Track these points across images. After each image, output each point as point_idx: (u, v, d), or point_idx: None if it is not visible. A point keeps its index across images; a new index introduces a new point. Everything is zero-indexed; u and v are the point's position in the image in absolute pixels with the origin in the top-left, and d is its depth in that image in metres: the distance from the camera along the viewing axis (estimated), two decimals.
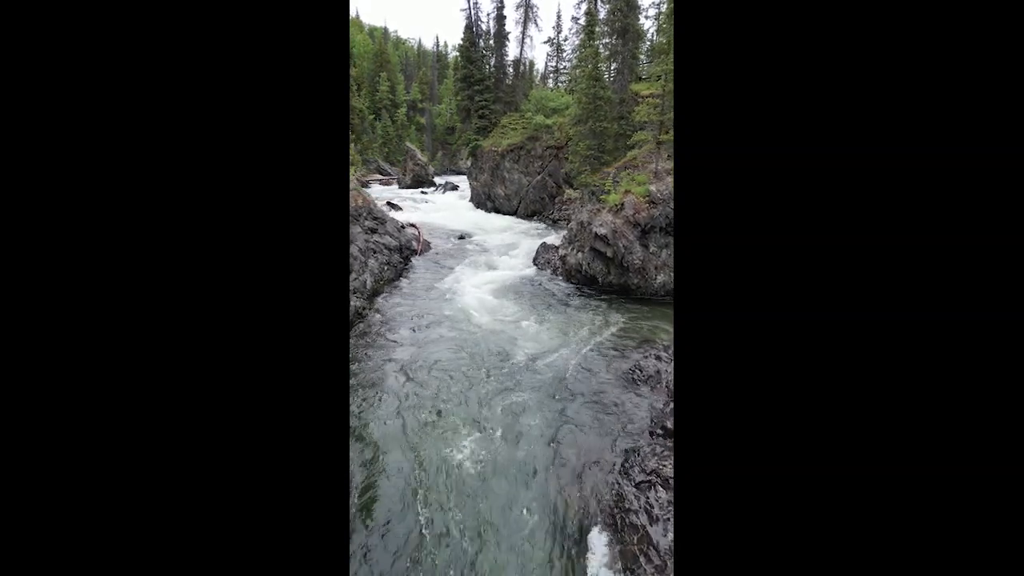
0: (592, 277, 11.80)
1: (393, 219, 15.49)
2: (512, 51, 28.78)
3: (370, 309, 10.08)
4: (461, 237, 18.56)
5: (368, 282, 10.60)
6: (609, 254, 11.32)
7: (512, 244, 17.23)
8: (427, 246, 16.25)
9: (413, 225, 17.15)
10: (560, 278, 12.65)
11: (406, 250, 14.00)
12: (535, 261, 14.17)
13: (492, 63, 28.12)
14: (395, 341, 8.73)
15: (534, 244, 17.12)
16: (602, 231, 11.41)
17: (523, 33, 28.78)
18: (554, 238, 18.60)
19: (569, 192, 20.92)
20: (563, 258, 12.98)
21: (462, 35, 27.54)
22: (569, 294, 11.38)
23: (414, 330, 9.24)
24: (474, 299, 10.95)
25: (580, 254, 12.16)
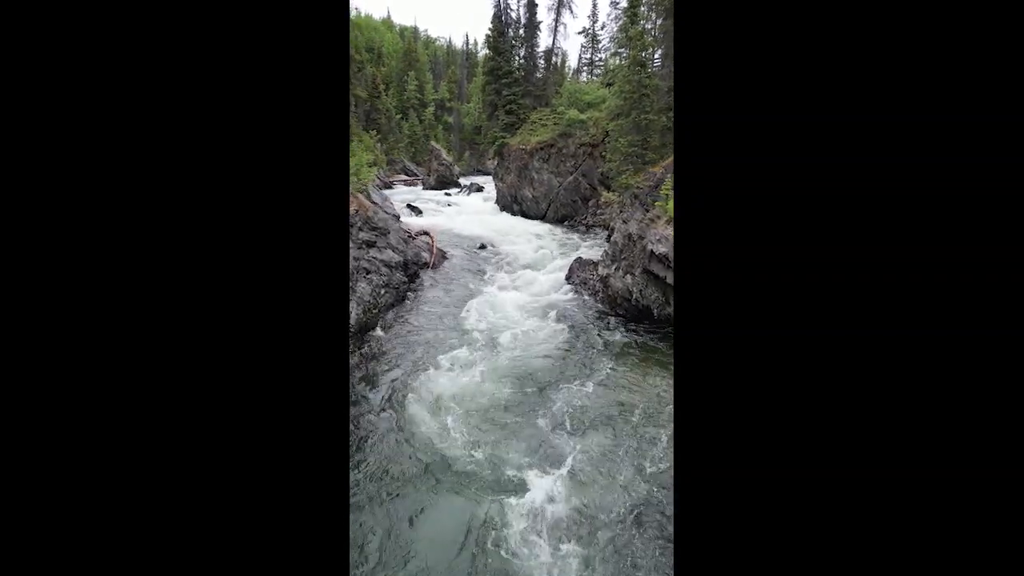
0: (645, 309, 8.85)
1: (400, 227, 12.90)
2: (544, 41, 25.87)
3: (355, 352, 7.45)
4: (482, 247, 15.85)
5: (354, 314, 7.97)
6: (670, 280, 8.36)
7: (541, 256, 14.37)
8: (442, 258, 13.59)
9: (426, 233, 14.51)
10: (602, 306, 9.74)
11: (413, 265, 11.36)
12: (568, 279, 11.30)
13: (522, 54, 25.23)
14: (380, 417, 6.04)
15: (567, 256, 14.22)
16: (661, 249, 8.44)
17: (556, 21, 25.77)
18: (588, 248, 15.65)
19: (606, 195, 17.87)
20: (604, 279, 10.06)
21: (490, 24, 24.77)
22: (616, 333, 8.45)
23: (407, 395, 6.54)
24: (491, 339, 8.17)
25: (629, 277, 9.22)
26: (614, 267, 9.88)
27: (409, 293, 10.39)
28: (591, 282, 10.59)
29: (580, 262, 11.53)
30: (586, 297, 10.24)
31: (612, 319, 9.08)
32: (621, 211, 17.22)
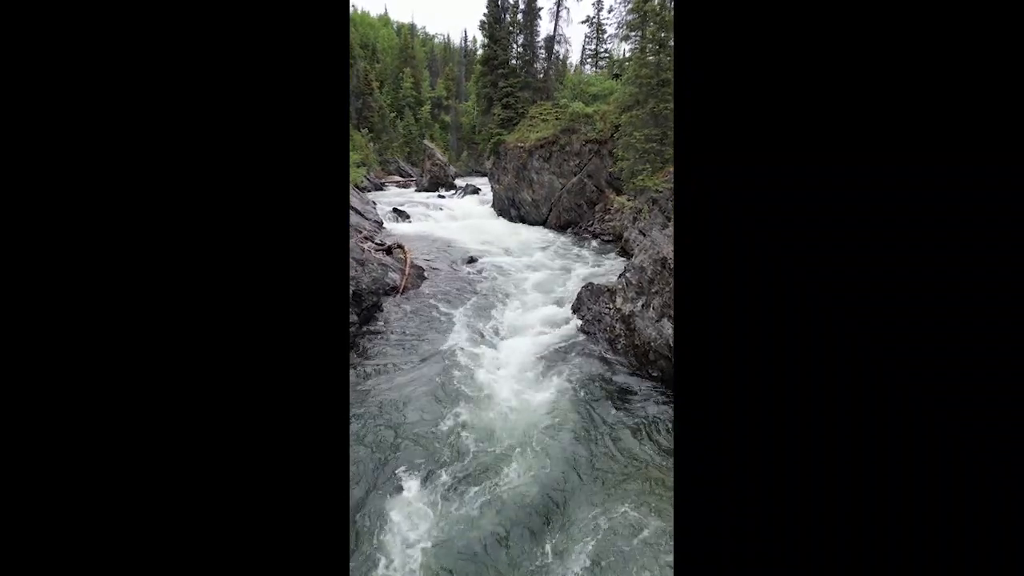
0: None
1: (357, 244, 10.02)
2: (545, 28, 22.93)
3: None
4: (471, 260, 13.01)
5: None
6: None
7: (541, 275, 11.49)
8: (418, 278, 10.73)
9: (400, 246, 11.63)
10: (624, 360, 6.84)
11: (372, 295, 8.51)
12: (577, 312, 8.45)
13: (520, 42, 22.34)
14: None
15: (572, 273, 11.35)
16: None
17: (558, 6, 22.80)
18: (597, 261, 12.76)
19: (618, 200, 15.00)
20: (627, 320, 7.18)
21: (485, 9, 21.88)
22: (660, 429, 5.53)
23: None
24: (470, 437, 5.25)
25: (667, 323, 6.32)
26: (640, 303, 7.00)
27: (359, 340, 7.50)
28: (607, 319, 7.71)
29: (591, 289, 8.65)
30: (602, 345, 7.33)
31: (645, 391, 6.15)
32: (635, 219, 14.28)
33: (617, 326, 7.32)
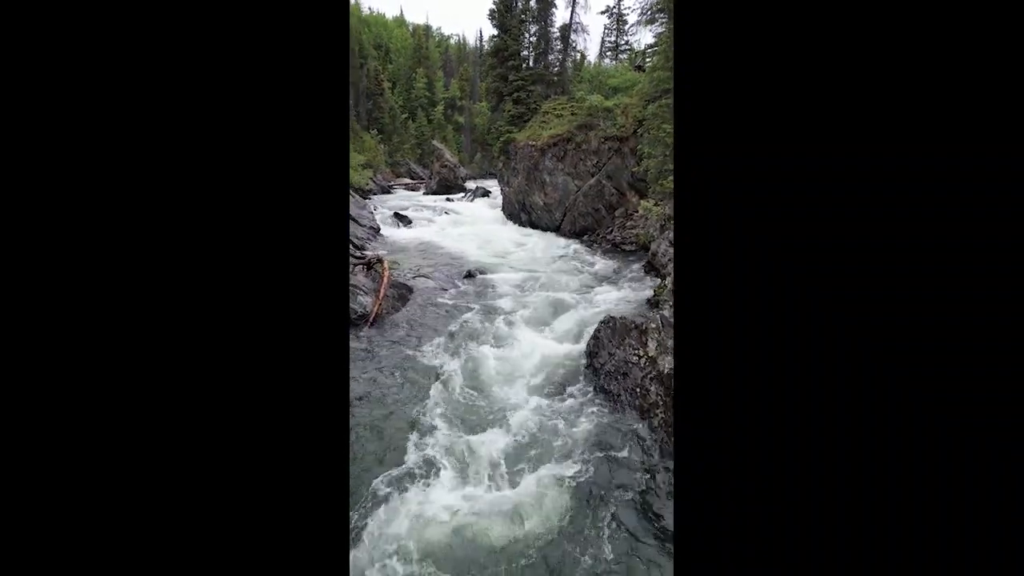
0: None
1: None
2: (560, 16, 20.64)
3: None
4: (470, 275, 10.86)
5: None
6: None
7: (550, 297, 9.22)
8: (399, 299, 8.59)
9: (380, 260, 9.49)
10: (667, 446, 4.53)
11: None
12: (594, 358, 6.17)
13: (533, 31, 20.10)
14: None
15: (588, 298, 9.05)
16: None
17: None
18: (618, 278, 10.43)
19: (643, 204, 12.63)
20: (666, 380, 4.86)
21: None
22: None
23: None
24: None
25: None
26: None
27: None
28: (635, 374, 5.41)
29: (613, 326, 6.35)
30: (631, 416, 5.02)
31: None
32: (664, 228, 11.91)
33: (652, 389, 5.01)
